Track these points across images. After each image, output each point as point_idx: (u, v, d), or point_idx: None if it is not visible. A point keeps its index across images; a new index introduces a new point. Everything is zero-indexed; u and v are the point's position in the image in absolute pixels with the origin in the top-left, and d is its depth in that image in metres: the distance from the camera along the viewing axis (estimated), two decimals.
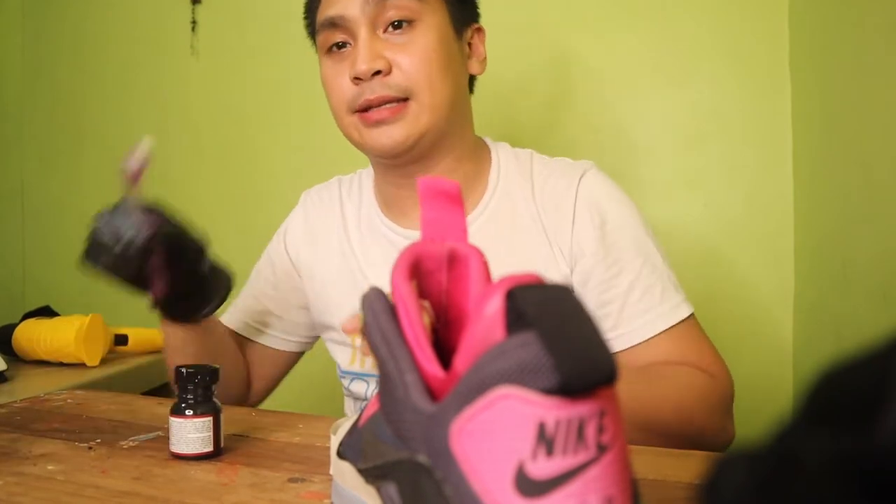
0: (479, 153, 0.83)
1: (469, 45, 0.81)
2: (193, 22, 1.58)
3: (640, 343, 0.72)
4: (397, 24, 0.74)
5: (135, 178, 0.62)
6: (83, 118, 1.70)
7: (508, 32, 1.32)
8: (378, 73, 0.73)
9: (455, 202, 0.35)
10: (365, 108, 0.74)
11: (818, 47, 1.06)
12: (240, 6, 1.54)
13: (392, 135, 0.74)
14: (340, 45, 0.76)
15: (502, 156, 0.83)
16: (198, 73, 1.58)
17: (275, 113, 1.51)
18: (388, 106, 0.73)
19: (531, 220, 0.78)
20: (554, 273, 0.75)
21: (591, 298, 0.74)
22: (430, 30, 0.74)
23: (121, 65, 1.66)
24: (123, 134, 1.66)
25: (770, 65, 1.18)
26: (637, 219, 0.77)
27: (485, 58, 0.83)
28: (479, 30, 0.83)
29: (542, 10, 1.31)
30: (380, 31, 0.74)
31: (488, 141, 0.86)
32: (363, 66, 0.72)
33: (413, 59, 0.73)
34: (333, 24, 0.75)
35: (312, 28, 0.81)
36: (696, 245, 1.22)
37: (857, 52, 0.91)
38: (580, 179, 0.77)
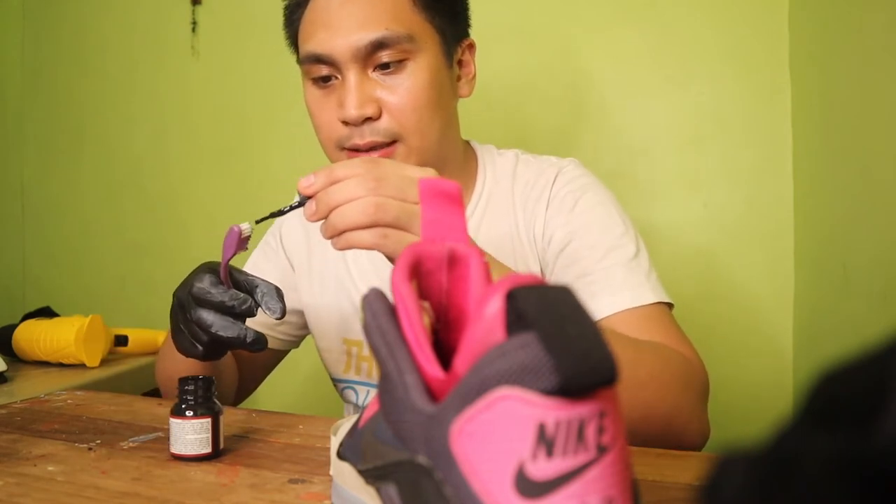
0: (466, 161, 0.84)
1: (460, 62, 0.79)
2: (194, 23, 1.58)
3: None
4: (387, 63, 0.72)
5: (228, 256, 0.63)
6: (83, 118, 1.70)
7: (508, 33, 1.32)
8: (368, 118, 0.71)
9: (455, 203, 0.35)
10: (353, 149, 0.73)
11: (818, 47, 1.06)
12: (240, 7, 1.54)
13: None
14: (326, 78, 0.74)
15: (488, 160, 0.85)
16: (198, 73, 1.58)
17: (275, 113, 1.51)
18: (375, 151, 0.72)
19: (514, 223, 0.80)
20: (523, 268, 0.77)
21: (559, 277, 0.74)
22: (421, 69, 0.72)
23: (121, 65, 1.65)
24: (123, 134, 1.66)
25: (770, 65, 1.18)
26: (610, 206, 0.78)
27: (474, 75, 0.81)
28: (471, 46, 0.81)
29: (541, 11, 1.31)
30: (369, 70, 0.72)
31: (475, 144, 0.86)
32: (353, 112, 0.70)
33: (403, 101, 0.71)
34: (319, 60, 0.73)
35: (293, 40, 0.79)
36: (695, 245, 1.22)
37: (857, 52, 0.91)
38: (558, 172, 0.80)
